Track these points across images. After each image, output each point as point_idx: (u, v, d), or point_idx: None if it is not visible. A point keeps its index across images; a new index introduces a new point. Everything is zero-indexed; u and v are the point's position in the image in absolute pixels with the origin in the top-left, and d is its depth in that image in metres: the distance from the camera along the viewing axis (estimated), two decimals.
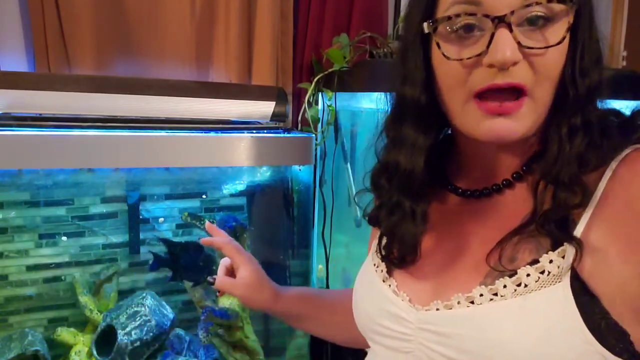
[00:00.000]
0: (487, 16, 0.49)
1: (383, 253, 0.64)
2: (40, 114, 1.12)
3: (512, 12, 0.48)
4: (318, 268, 1.47)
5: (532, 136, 0.55)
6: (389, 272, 0.63)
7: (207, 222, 0.90)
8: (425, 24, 0.53)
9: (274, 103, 1.25)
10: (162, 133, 1.12)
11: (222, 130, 1.21)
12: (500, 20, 0.48)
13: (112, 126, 1.13)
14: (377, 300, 0.63)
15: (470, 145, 0.61)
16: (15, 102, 1.08)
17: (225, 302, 1.28)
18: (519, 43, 0.48)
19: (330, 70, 1.35)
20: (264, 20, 1.39)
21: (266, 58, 1.40)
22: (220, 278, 0.83)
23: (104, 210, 1.29)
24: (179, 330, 1.31)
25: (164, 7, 1.34)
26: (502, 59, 0.48)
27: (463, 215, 0.61)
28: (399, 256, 0.62)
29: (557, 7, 0.49)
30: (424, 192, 0.60)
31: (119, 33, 1.32)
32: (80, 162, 1.07)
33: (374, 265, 0.66)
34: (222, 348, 1.28)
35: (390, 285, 0.62)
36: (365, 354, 0.69)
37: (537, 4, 0.48)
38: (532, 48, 0.49)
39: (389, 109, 0.63)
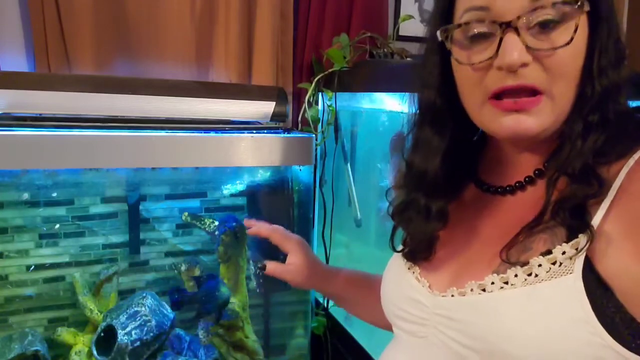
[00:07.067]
0: (494, 22, 0.52)
1: (402, 246, 0.67)
2: (40, 114, 1.12)
3: (519, 17, 0.50)
4: None
5: (554, 133, 0.56)
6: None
7: (245, 219, 0.94)
8: (438, 32, 0.56)
9: (274, 103, 1.26)
10: (162, 133, 1.12)
11: (222, 130, 1.21)
12: (507, 26, 0.51)
13: (112, 126, 1.13)
14: (401, 286, 0.66)
15: (497, 143, 0.63)
16: (15, 102, 1.08)
17: None
18: (527, 46, 0.50)
19: (330, 70, 1.35)
20: (264, 20, 1.39)
21: (266, 58, 1.40)
22: (270, 264, 0.87)
23: (104, 210, 1.28)
24: (179, 330, 1.30)
25: (164, 7, 1.34)
26: (509, 61, 0.50)
27: (488, 210, 0.63)
28: (412, 252, 0.65)
29: (564, 9, 0.50)
30: (440, 190, 0.63)
31: (119, 33, 1.32)
32: (80, 162, 1.07)
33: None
34: (222, 348, 1.28)
35: (414, 273, 0.65)
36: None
37: (542, 7, 0.50)
38: (539, 50, 0.51)
39: (414, 109, 0.65)
